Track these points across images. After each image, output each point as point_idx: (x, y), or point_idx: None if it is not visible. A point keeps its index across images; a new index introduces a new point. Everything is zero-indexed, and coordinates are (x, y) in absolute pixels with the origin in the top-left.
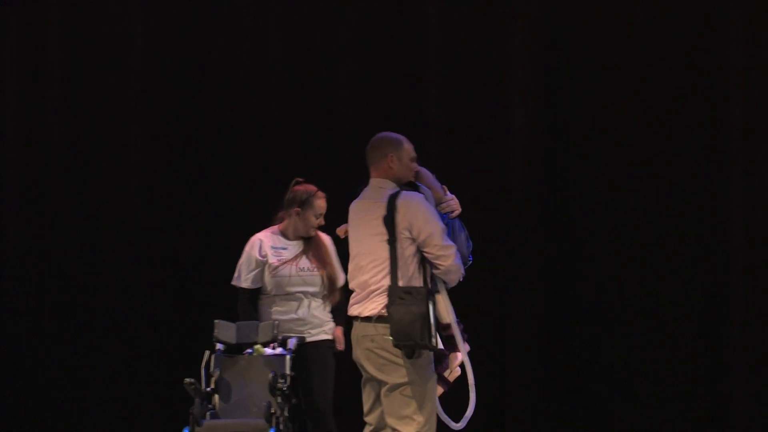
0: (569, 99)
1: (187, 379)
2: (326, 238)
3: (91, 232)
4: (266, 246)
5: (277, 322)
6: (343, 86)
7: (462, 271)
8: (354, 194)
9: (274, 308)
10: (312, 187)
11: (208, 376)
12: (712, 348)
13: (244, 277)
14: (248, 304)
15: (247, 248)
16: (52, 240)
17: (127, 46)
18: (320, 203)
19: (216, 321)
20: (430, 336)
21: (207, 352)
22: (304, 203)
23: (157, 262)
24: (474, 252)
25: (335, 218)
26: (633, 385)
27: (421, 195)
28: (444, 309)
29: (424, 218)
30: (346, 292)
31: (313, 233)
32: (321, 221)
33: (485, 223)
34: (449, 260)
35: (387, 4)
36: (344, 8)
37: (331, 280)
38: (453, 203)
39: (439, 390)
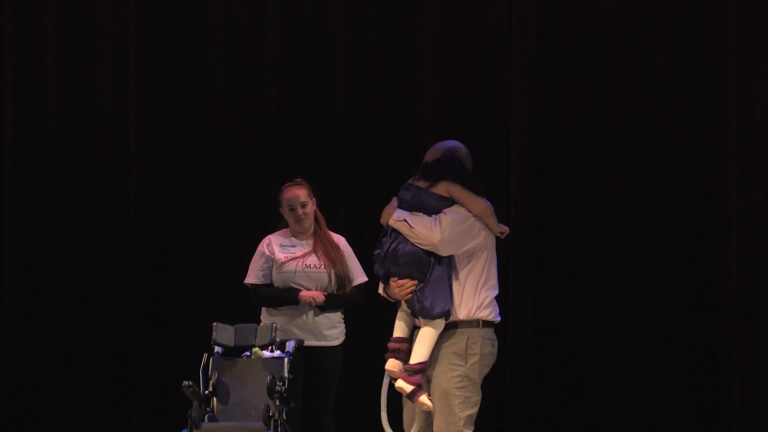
0: (565, 100)
1: (185, 382)
2: (339, 239)
3: (88, 233)
4: (275, 244)
5: (275, 324)
6: (339, 87)
7: None
8: (352, 194)
9: (282, 308)
10: (286, 185)
11: (206, 378)
12: (711, 348)
13: (254, 274)
14: (261, 299)
15: (258, 247)
16: (48, 240)
17: (122, 47)
18: (286, 196)
19: (214, 324)
20: None
21: (205, 355)
22: (279, 203)
23: (155, 263)
24: None
25: (333, 216)
26: (632, 385)
27: None
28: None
29: None
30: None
31: (306, 225)
32: (300, 211)
33: None
34: None
35: (382, 5)
36: (340, 9)
37: (340, 279)
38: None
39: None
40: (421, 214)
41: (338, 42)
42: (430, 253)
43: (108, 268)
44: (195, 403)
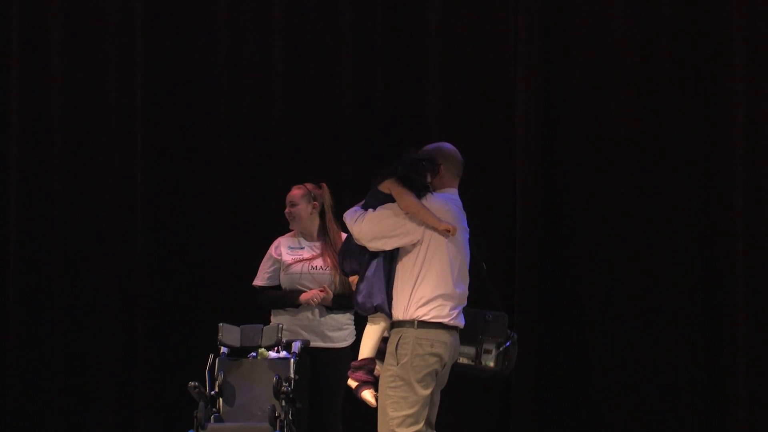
0: (571, 100)
1: (191, 383)
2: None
3: (93, 233)
4: (283, 246)
5: (281, 325)
6: (345, 92)
7: None
8: (358, 198)
9: (288, 308)
10: None
11: (212, 379)
12: (713, 348)
13: (261, 276)
14: (266, 301)
15: (268, 249)
16: (53, 240)
17: (127, 46)
18: (288, 196)
19: (220, 324)
20: None
21: (211, 356)
22: None
23: (161, 264)
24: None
25: (338, 220)
26: (637, 386)
27: None
28: None
29: None
30: None
31: (295, 226)
32: (287, 209)
33: (487, 226)
34: None
35: (388, 7)
36: (344, 11)
37: (344, 282)
38: None
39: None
40: (358, 208)
41: (344, 46)
42: (365, 249)
43: (114, 268)
44: (201, 404)
